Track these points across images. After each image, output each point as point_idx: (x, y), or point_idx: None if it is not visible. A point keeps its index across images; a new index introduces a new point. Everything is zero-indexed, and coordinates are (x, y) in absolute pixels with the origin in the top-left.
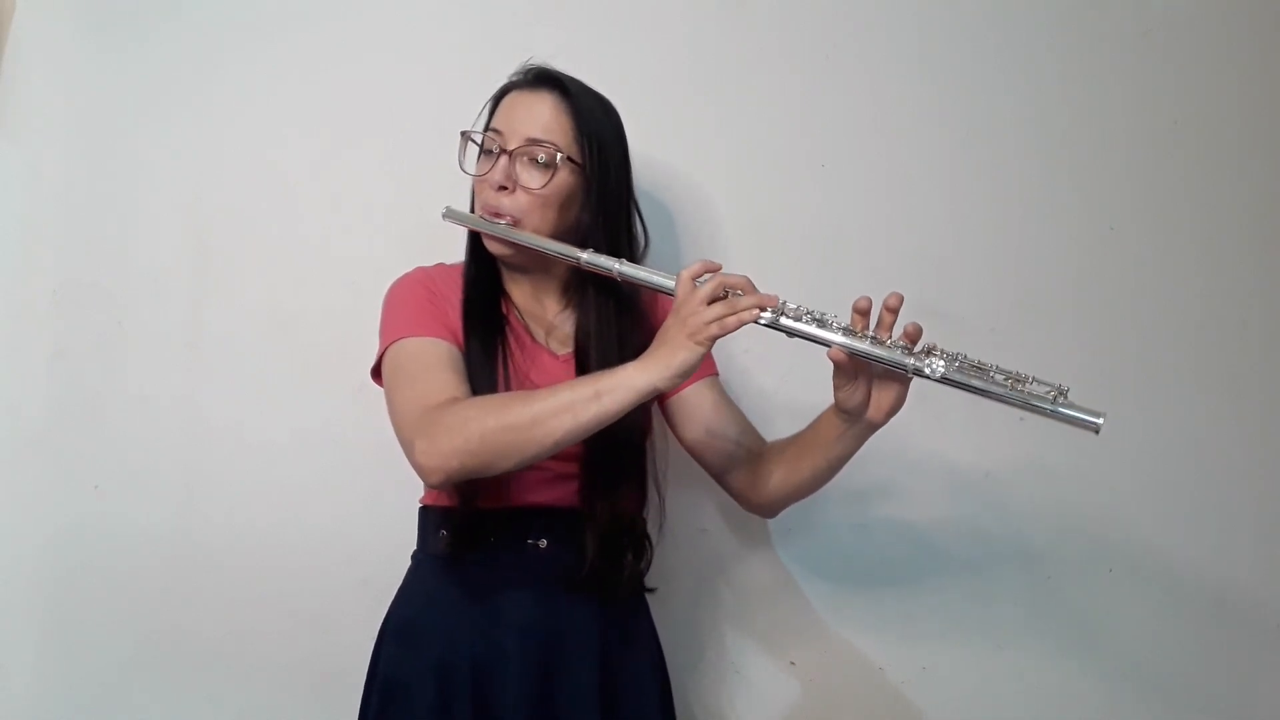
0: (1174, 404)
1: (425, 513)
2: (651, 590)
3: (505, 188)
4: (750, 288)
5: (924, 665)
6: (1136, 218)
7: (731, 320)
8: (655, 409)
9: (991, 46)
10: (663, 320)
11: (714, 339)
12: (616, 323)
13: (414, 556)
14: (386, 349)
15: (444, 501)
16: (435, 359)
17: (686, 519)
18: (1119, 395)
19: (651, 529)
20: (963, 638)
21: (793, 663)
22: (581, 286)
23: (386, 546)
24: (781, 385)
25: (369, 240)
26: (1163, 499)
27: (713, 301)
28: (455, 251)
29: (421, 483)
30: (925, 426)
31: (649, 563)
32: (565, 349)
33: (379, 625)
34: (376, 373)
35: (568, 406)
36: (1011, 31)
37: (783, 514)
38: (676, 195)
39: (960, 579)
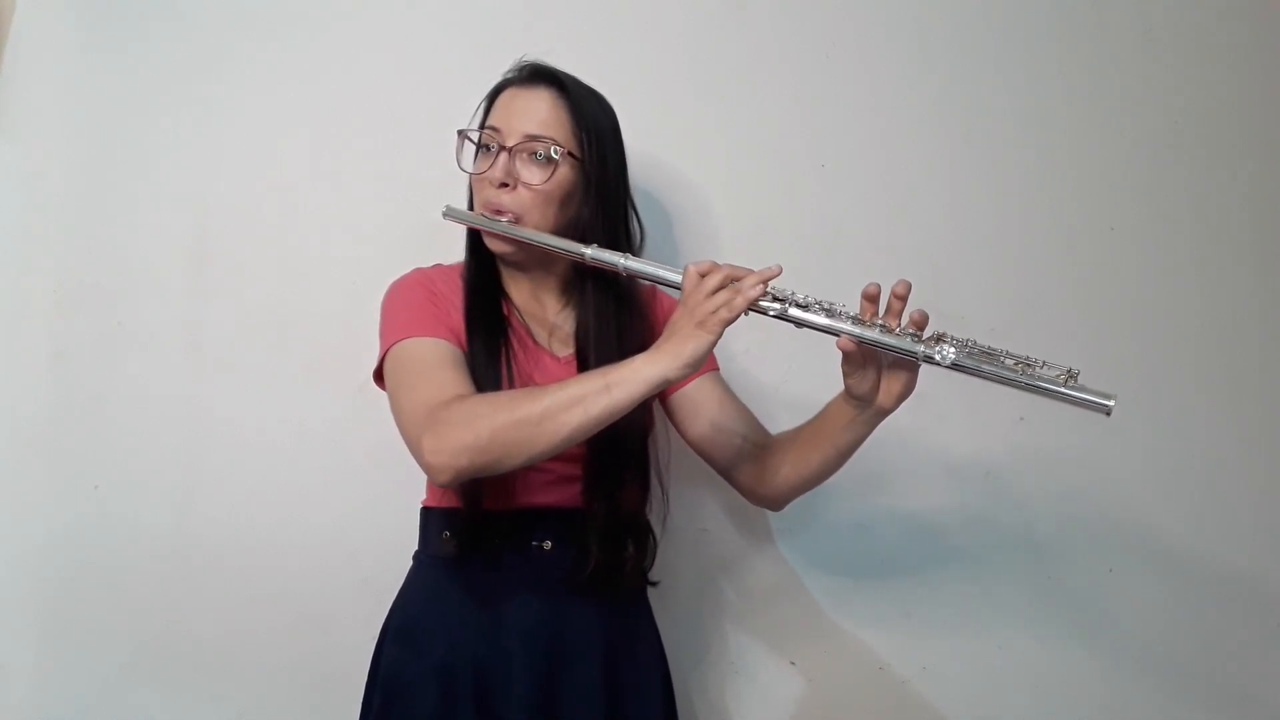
0: (1174, 403)
1: (428, 514)
2: (654, 584)
3: (506, 184)
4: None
5: (925, 664)
6: (1136, 218)
7: (739, 301)
8: (657, 407)
9: (991, 46)
10: (663, 316)
11: (724, 323)
12: (615, 319)
13: (416, 557)
14: (388, 351)
15: (447, 503)
16: (439, 358)
17: (688, 519)
18: (1119, 394)
19: (655, 523)
20: (964, 636)
21: (793, 662)
22: (580, 284)
23: (387, 546)
24: (782, 384)
25: (370, 240)
26: (1164, 497)
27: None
28: (456, 251)
29: (422, 483)
30: (927, 426)
31: (653, 555)
32: (567, 350)
33: (379, 625)
34: (378, 376)
35: (578, 400)
36: (1011, 31)
37: (784, 513)
38: (676, 196)
39: (962, 578)
